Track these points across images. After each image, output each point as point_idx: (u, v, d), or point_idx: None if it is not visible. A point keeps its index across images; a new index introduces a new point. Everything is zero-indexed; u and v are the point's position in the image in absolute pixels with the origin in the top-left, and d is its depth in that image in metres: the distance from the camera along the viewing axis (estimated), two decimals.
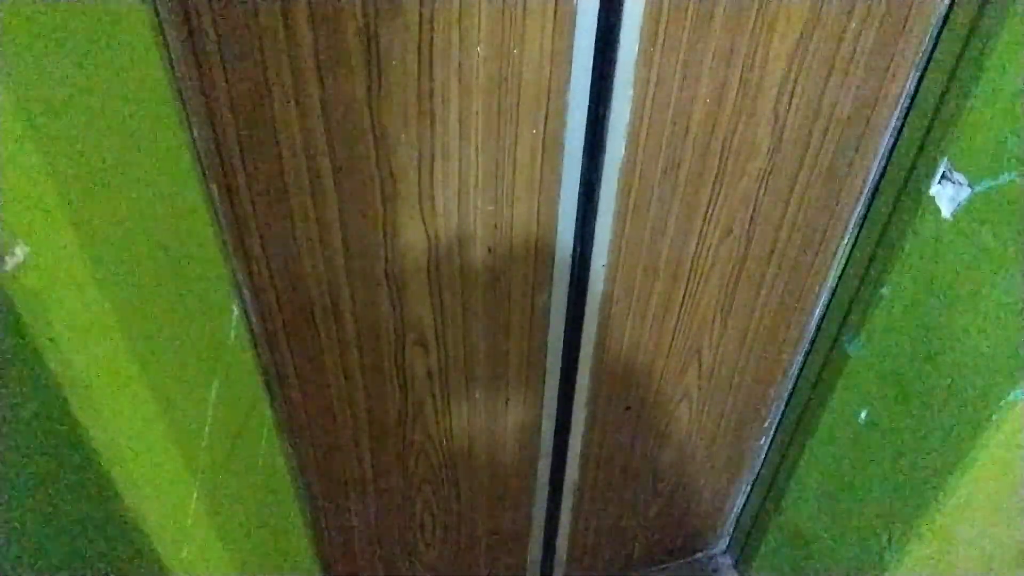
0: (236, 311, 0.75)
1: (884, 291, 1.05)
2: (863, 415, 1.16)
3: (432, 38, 0.71)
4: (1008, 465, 1.06)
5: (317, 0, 0.66)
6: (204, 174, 0.72)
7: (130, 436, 0.57)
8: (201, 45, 0.65)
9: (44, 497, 0.57)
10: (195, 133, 0.70)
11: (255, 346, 0.87)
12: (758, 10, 0.80)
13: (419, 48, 0.72)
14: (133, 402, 0.56)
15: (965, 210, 0.92)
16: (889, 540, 1.20)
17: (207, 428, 0.69)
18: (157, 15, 0.62)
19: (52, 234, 0.45)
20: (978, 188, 0.90)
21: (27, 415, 0.50)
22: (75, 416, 0.51)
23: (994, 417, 0.97)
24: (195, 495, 0.68)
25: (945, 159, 0.91)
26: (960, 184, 0.91)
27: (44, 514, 0.58)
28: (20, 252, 0.42)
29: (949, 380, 1.01)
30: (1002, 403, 0.95)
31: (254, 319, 0.85)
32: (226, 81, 0.68)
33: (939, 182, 0.93)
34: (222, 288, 0.74)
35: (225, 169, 0.73)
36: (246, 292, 0.82)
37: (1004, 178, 0.87)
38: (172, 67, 0.65)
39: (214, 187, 0.74)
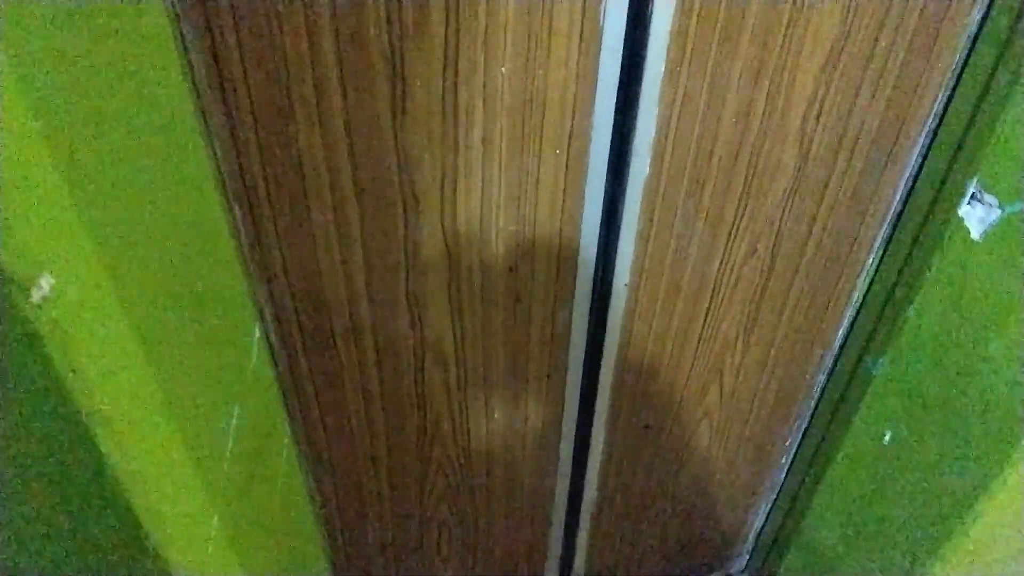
0: (258, 333, 0.75)
1: (910, 312, 1.03)
2: (887, 437, 1.14)
3: (457, 58, 0.70)
4: None
5: (342, 21, 0.65)
6: (227, 196, 0.71)
7: (152, 465, 0.56)
8: (226, 67, 0.65)
9: (67, 524, 0.56)
10: (218, 155, 0.69)
11: (276, 365, 0.87)
12: (787, 29, 0.78)
13: (444, 68, 0.71)
14: (155, 431, 0.56)
15: (995, 232, 0.90)
16: (912, 563, 1.18)
17: (228, 453, 0.69)
18: (182, 38, 0.61)
19: (77, 266, 0.44)
20: (1009, 209, 0.88)
21: (50, 446, 0.49)
22: (98, 446, 0.50)
23: (1022, 443, 0.95)
24: (215, 521, 0.67)
25: (975, 180, 0.90)
26: (990, 205, 0.89)
27: (67, 541, 0.57)
28: (46, 284, 0.42)
29: (975, 404, 0.99)
30: None
31: (275, 340, 0.84)
32: (250, 102, 0.67)
33: (968, 203, 0.91)
34: (245, 311, 0.73)
35: (248, 190, 0.72)
36: (267, 313, 0.82)
37: None
38: (196, 90, 0.64)
39: (236, 208, 0.73)
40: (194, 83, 0.64)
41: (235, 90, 0.66)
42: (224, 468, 0.68)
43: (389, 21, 0.66)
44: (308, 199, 0.75)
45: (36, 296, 0.41)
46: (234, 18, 0.63)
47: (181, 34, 0.62)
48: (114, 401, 0.50)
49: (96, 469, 0.51)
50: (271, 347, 0.84)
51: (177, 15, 0.61)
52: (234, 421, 0.68)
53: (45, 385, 0.46)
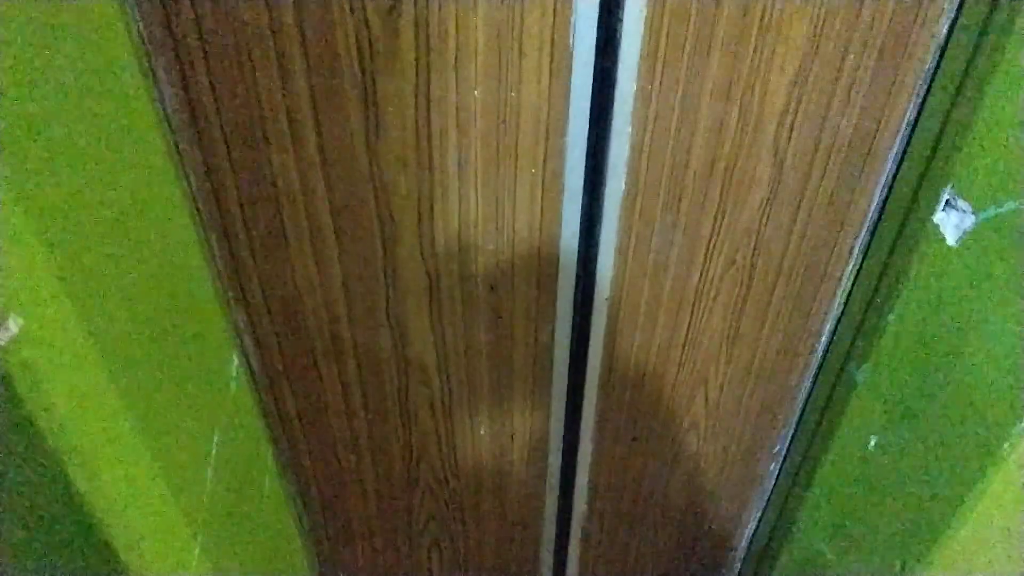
0: (236, 360, 0.75)
1: (890, 319, 1.04)
2: (872, 442, 1.15)
3: (429, 82, 0.71)
4: (1021, 496, 1.05)
5: (312, 48, 0.66)
6: (202, 225, 0.71)
7: (129, 498, 0.56)
8: (196, 96, 0.65)
9: (43, 561, 0.56)
10: (192, 184, 0.69)
11: (257, 391, 0.87)
12: (756, 43, 0.79)
13: (416, 92, 0.71)
14: (132, 464, 0.56)
15: (970, 238, 0.91)
16: (902, 567, 1.18)
17: (208, 479, 0.68)
18: (152, 71, 0.62)
19: (46, 305, 0.44)
20: (983, 215, 0.89)
21: (23, 485, 0.49)
22: (73, 483, 0.50)
23: (1006, 446, 0.95)
24: (197, 549, 0.67)
25: (948, 187, 0.91)
26: (964, 211, 0.90)
27: None
28: (14, 325, 0.42)
29: (958, 408, 1.00)
30: (1013, 431, 0.94)
31: (255, 365, 0.84)
32: (223, 131, 0.68)
33: (943, 209, 0.92)
34: (222, 338, 0.73)
35: (223, 218, 0.73)
36: (247, 338, 0.82)
37: (1009, 206, 0.86)
38: (168, 121, 0.64)
39: (212, 236, 0.73)
40: (165, 113, 0.65)
41: (207, 120, 0.67)
42: (205, 496, 0.68)
43: (359, 47, 0.67)
44: (284, 225, 0.75)
45: (4, 338, 0.41)
46: (204, 49, 0.63)
47: (151, 67, 0.62)
48: (88, 437, 0.50)
49: (71, 506, 0.51)
50: (252, 372, 0.84)
51: (147, 48, 0.61)
52: (215, 449, 0.68)
53: (17, 424, 0.46)
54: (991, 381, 0.94)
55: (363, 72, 0.68)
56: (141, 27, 0.60)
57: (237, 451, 0.76)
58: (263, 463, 0.84)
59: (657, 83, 0.78)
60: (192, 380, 0.65)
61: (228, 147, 0.68)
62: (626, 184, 0.86)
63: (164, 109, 0.64)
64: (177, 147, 0.67)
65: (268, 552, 0.88)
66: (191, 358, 0.65)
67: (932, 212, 0.94)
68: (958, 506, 1.05)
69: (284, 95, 0.67)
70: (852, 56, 0.84)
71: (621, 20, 0.72)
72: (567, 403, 1.09)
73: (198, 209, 0.70)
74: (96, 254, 0.51)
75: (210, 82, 0.65)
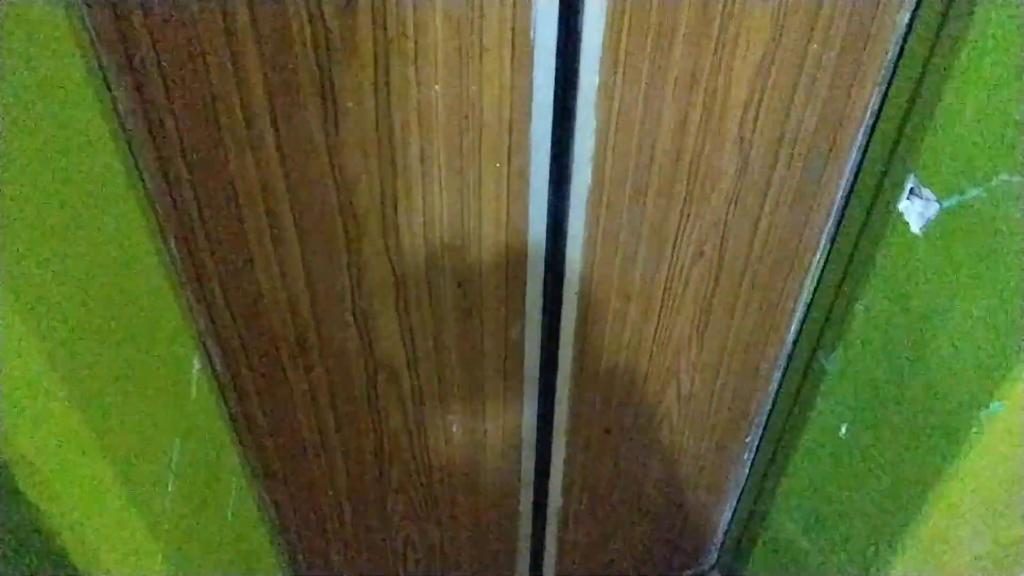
0: (198, 364, 0.73)
1: (858, 307, 1.04)
2: (843, 429, 1.16)
3: (388, 78, 0.70)
4: (990, 477, 1.06)
5: (266, 44, 0.64)
6: (159, 225, 0.70)
7: (86, 509, 0.55)
8: (149, 95, 0.63)
9: None
10: (148, 186, 0.68)
11: (222, 394, 0.85)
12: (718, 35, 0.79)
13: (375, 88, 0.70)
14: (87, 475, 0.54)
15: (934, 226, 0.91)
16: (875, 553, 1.19)
17: (169, 487, 0.67)
18: (102, 70, 0.60)
19: None
20: (946, 204, 0.89)
21: None
22: (24, 495, 0.49)
23: (973, 430, 0.96)
24: (159, 556, 0.66)
25: (912, 175, 0.91)
26: (928, 200, 0.91)
27: None
28: None
29: (925, 394, 1.01)
30: (980, 416, 0.95)
31: (219, 367, 0.83)
32: (178, 132, 0.66)
33: (907, 198, 0.93)
34: (182, 342, 0.72)
35: (181, 218, 0.71)
36: (209, 341, 0.80)
37: (971, 193, 0.86)
38: (121, 123, 0.63)
39: (170, 238, 0.72)
40: (117, 114, 0.63)
41: (161, 121, 0.65)
42: (166, 504, 0.66)
43: (315, 43, 0.65)
44: (245, 226, 0.74)
45: None
46: (155, 47, 0.61)
47: (101, 66, 0.60)
48: (39, 448, 0.49)
49: (23, 518, 0.50)
50: (217, 376, 0.83)
51: (96, 47, 0.59)
52: (175, 456, 0.67)
53: None
54: (957, 367, 0.95)
55: (320, 68, 0.67)
56: (89, 25, 0.59)
57: (200, 456, 0.75)
58: (228, 468, 0.83)
59: (620, 76, 0.78)
60: (150, 385, 0.64)
61: (183, 146, 0.67)
62: (592, 178, 0.85)
63: (116, 109, 0.63)
64: (131, 147, 0.65)
65: (237, 557, 0.87)
66: (148, 362, 0.64)
67: (897, 201, 0.94)
68: (928, 490, 1.06)
69: (240, 92, 0.66)
70: (815, 46, 0.84)
71: (581, 13, 0.72)
72: (539, 398, 1.09)
73: (154, 209, 0.69)
74: (45, 255, 0.49)
75: (163, 80, 0.63)
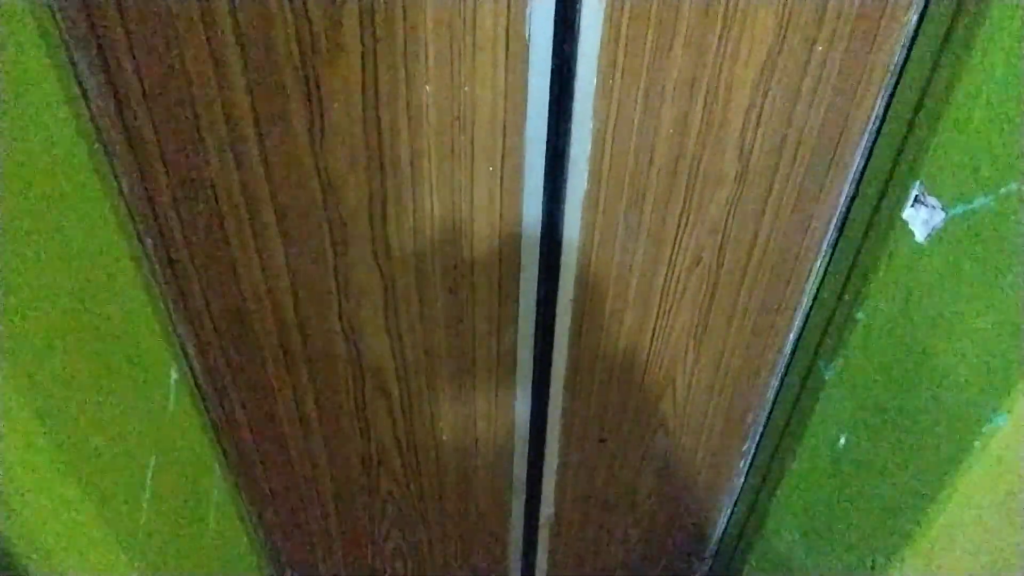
0: (175, 374, 0.70)
1: (859, 315, 1.02)
2: (842, 440, 1.14)
3: (376, 77, 0.67)
4: (992, 491, 1.04)
5: (248, 40, 0.61)
6: (136, 228, 0.67)
7: (54, 530, 0.52)
8: (124, 94, 0.61)
9: None
10: (124, 186, 0.65)
11: (204, 402, 0.83)
12: (720, 37, 0.76)
13: (363, 88, 0.67)
14: (54, 494, 0.51)
15: (940, 234, 0.89)
16: (873, 565, 1.17)
17: (145, 503, 0.64)
18: (72, 60, 0.57)
19: None
20: (953, 212, 0.87)
21: None
22: None
23: (976, 444, 0.94)
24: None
25: (917, 183, 0.89)
26: (934, 208, 0.88)
27: None
28: None
29: (927, 406, 0.99)
30: (984, 429, 0.93)
31: (201, 376, 0.80)
32: (154, 130, 0.63)
33: (912, 206, 0.90)
34: (159, 350, 0.69)
35: (159, 221, 0.68)
36: (190, 348, 0.77)
37: (979, 202, 0.84)
38: (95, 124, 0.60)
39: (148, 241, 0.69)
40: (92, 117, 0.60)
41: (137, 121, 0.62)
42: (142, 521, 0.64)
43: (300, 41, 0.63)
44: (226, 230, 0.71)
45: None
46: (130, 44, 0.58)
47: (72, 62, 0.57)
48: (3, 468, 0.46)
49: None
50: (198, 385, 0.80)
51: (68, 44, 0.57)
52: (150, 471, 0.64)
53: None
54: (961, 378, 0.93)
55: (305, 67, 0.64)
56: (61, 21, 0.56)
57: (179, 469, 0.72)
58: (209, 479, 0.80)
59: (618, 76, 0.75)
60: (123, 396, 0.61)
61: (161, 147, 0.64)
62: (588, 182, 0.83)
63: (90, 111, 0.60)
64: (106, 150, 0.62)
65: (220, 570, 0.85)
66: (120, 371, 0.61)
67: (901, 208, 0.92)
68: (929, 504, 1.04)
69: (221, 92, 0.63)
70: (819, 49, 0.81)
71: (579, 11, 0.69)
72: (532, 406, 1.06)
73: (131, 213, 0.66)
74: (9, 260, 0.47)
75: (139, 79, 0.60)
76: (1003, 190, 0.82)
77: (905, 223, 0.92)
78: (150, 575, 0.65)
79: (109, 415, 0.58)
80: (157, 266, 0.70)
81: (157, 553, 0.67)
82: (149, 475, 0.64)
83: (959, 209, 0.86)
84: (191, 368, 0.78)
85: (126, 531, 0.61)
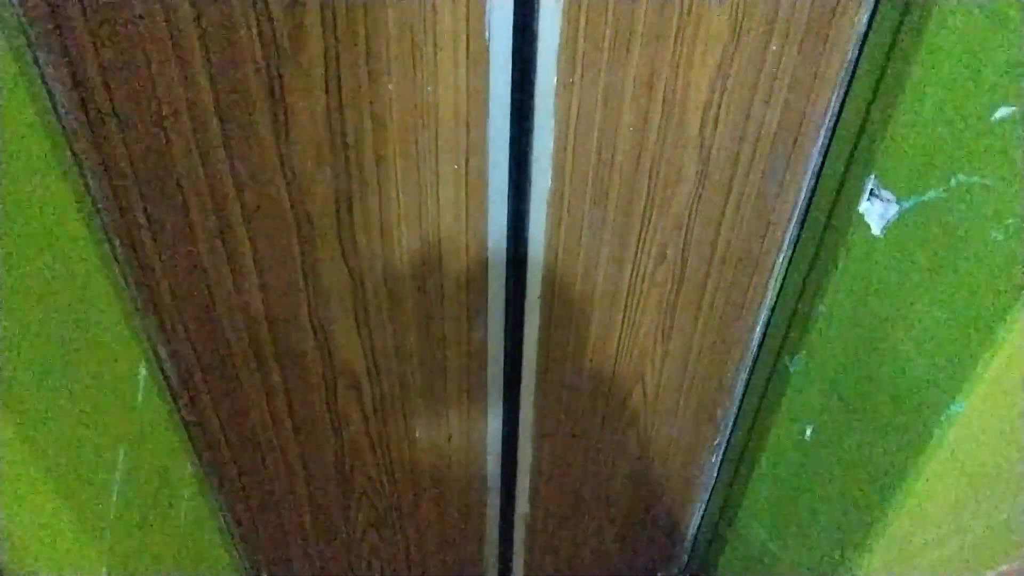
0: (144, 370, 0.71)
1: (821, 308, 1.04)
2: (808, 432, 1.16)
3: (339, 77, 0.69)
4: (953, 478, 1.06)
5: (212, 42, 0.63)
6: (103, 226, 0.68)
7: (21, 522, 0.53)
8: (89, 93, 0.62)
9: None
10: (91, 187, 0.66)
11: (174, 400, 0.83)
12: (676, 36, 0.78)
13: (326, 87, 0.69)
14: (21, 487, 0.52)
15: (895, 227, 0.92)
16: (842, 555, 1.19)
17: (114, 498, 0.65)
18: (36, 60, 0.58)
19: None
20: (906, 205, 0.90)
21: None
22: None
23: (936, 432, 0.96)
24: (104, 570, 0.64)
25: (872, 177, 0.91)
26: (888, 201, 0.91)
27: None
28: None
29: (889, 396, 1.01)
30: (943, 417, 0.95)
31: (171, 374, 0.81)
32: (120, 130, 0.64)
33: (868, 199, 0.93)
34: (127, 350, 0.70)
35: (126, 219, 0.69)
36: (161, 347, 0.78)
37: (931, 195, 0.87)
38: (61, 122, 0.61)
39: (116, 239, 0.70)
40: (58, 117, 0.61)
41: (103, 122, 0.63)
42: (112, 514, 0.64)
43: (263, 41, 0.64)
44: (193, 229, 0.72)
45: None
46: (94, 44, 0.60)
47: (37, 62, 0.58)
48: None
49: None
50: (168, 382, 0.81)
51: (32, 43, 0.58)
52: (120, 465, 0.65)
53: None
54: (919, 368, 0.95)
55: (268, 67, 0.65)
56: (23, 20, 0.57)
57: (149, 464, 0.73)
58: (181, 475, 0.81)
59: (578, 76, 0.77)
60: (92, 390, 0.62)
61: (127, 146, 0.65)
62: (552, 180, 0.85)
63: (54, 107, 0.61)
64: (70, 145, 0.63)
65: (192, 567, 0.85)
66: (87, 366, 0.62)
67: (857, 202, 0.94)
68: (893, 492, 1.06)
69: (184, 90, 0.64)
70: (774, 47, 0.84)
71: (536, 13, 0.71)
72: (504, 403, 1.07)
73: (97, 211, 0.67)
74: None
75: (102, 78, 0.61)
76: (953, 181, 0.85)
77: (861, 217, 0.94)
78: (119, 569, 0.65)
79: (77, 409, 0.59)
80: (125, 264, 0.71)
81: (127, 547, 0.67)
82: (118, 470, 0.64)
83: (912, 202, 0.89)
84: (161, 366, 0.79)
85: (95, 524, 0.61)
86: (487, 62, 0.73)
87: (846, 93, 0.93)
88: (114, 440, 0.65)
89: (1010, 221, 0.81)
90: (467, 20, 0.70)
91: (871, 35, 0.88)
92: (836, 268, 1.00)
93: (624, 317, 1.03)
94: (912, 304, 0.93)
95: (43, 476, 0.55)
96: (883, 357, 1.00)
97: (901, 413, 1.00)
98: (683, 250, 0.98)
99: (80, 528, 0.59)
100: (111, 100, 0.62)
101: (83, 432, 0.60)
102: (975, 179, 0.83)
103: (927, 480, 1.03)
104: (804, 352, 1.10)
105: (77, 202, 0.62)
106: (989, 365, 0.89)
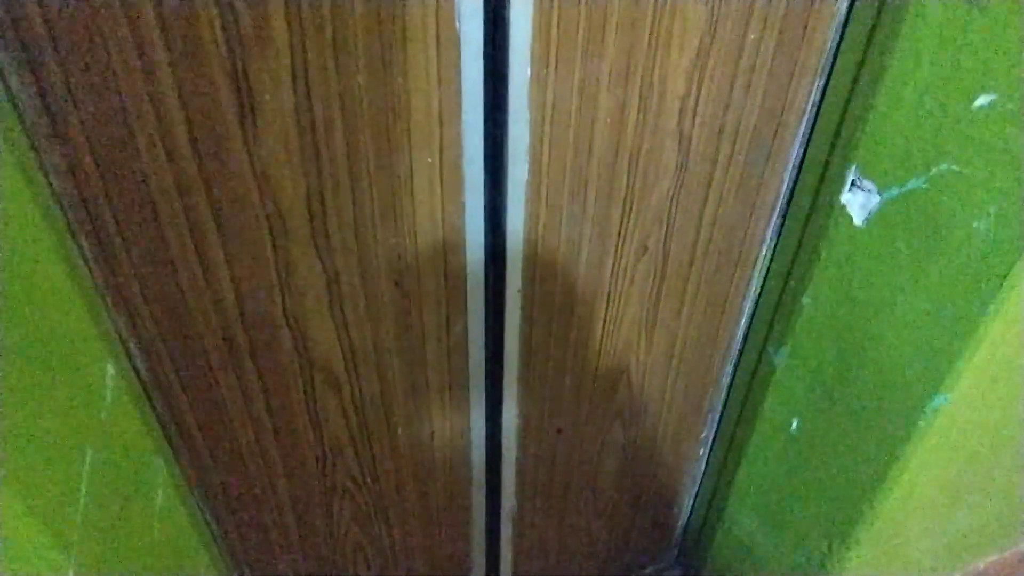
0: (112, 369, 0.70)
1: (805, 300, 1.04)
2: (794, 425, 1.15)
3: (307, 69, 0.67)
4: (939, 470, 1.06)
5: (173, 33, 0.61)
6: (68, 224, 0.67)
7: None
8: (49, 89, 0.60)
9: None
10: (55, 186, 0.65)
11: (149, 399, 0.82)
12: (652, 26, 0.77)
13: (293, 79, 0.68)
14: None
15: (876, 217, 0.91)
16: (829, 547, 1.19)
17: (82, 500, 0.64)
18: None
19: None
20: (887, 195, 0.89)
21: None
22: None
23: (920, 423, 0.96)
24: (71, 573, 0.63)
25: (854, 167, 0.90)
26: (870, 191, 0.90)
27: None
28: None
29: (873, 388, 1.00)
30: (927, 409, 0.94)
31: (143, 371, 0.80)
32: (82, 125, 0.63)
33: (849, 190, 0.92)
34: (92, 348, 0.69)
35: (92, 216, 0.68)
36: (132, 345, 0.77)
37: (912, 184, 0.86)
38: (21, 118, 0.60)
39: (82, 237, 0.69)
40: (18, 112, 0.60)
41: (64, 115, 0.62)
42: (79, 516, 0.63)
43: (226, 31, 0.63)
44: (161, 225, 0.71)
45: None
46: (52, 36, 0.58)
47: None
48: None
49: None
50: (141, 381, 0.80)
51: None
52: (87, 466, 0.64)
53: None
54: (903, 360, 0.95)
55: (232, 59, 0.64)
56: None
57: (120, 465, 0.72)
58: (152, 477, 0.80)
59: (552, 67, 0.76)
60: (54, 389, 0.61)
61: (90, 142, 0.64)
62: (529, 172, 0.84)
63: (13, 102, 0.60)
64: (33, 144, 0.62)
65: (169, 564, 0.84)
66: (49, 364, 0.61)
67: (839, 193, 0.93)
68: (879, 484, 1.05)
69: (147, 85, 0.63)
70: (752, 36, 0.83)
71: (508, 2, 0.70)
72: (487, 398, 1.06)
73: (62, 208, 0.66)
74: None
75: (63, 72, 0.60)
76: (935, 171, 0.84)
77: (844, 207, 0.93)
78: (89, 572, 0.64)
79: (39, 409, 0.58)
80: (91, 261, 0.70)
81: (97, 551, 0.66)
82: (86, 471, 0.63)
83: (893, 192, 0.88)
84: (132, 364, 0.78)
85: (60, 527, 0.60)
86: (458, 54, 0.72)
87: (826, 83, 0.92)
88: (80, 440, 0.64)
89: (992, 210, 0.80)
90: (436, 10, 0.68)
91: (850, 24, 0.87)
92: (819, 259, 0.99)
93: (607, 310, 1.02)
94: (895, 296, 0.93)
95: (5, 476, 0.54)
96: (867, 350, 0.99)
97: (885, 406, 1.00)
98: (665, 242, 0.97)
99: (44, 531, 0.58)
100: (71, 94, 0.61)
101: (45, 432, 0.59)
102: (956, 168, 0.82)
103: (912, 472, 1.03)
104: (789, 344, 1.09)
105: (41, 201, 0.61)
106: (973, 356, 0.88)
